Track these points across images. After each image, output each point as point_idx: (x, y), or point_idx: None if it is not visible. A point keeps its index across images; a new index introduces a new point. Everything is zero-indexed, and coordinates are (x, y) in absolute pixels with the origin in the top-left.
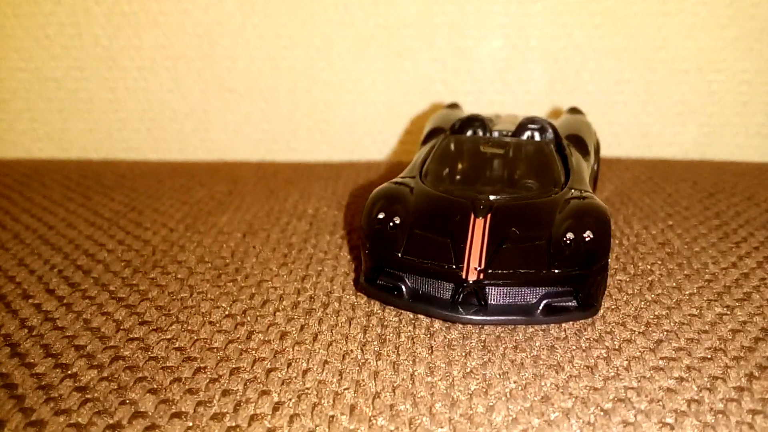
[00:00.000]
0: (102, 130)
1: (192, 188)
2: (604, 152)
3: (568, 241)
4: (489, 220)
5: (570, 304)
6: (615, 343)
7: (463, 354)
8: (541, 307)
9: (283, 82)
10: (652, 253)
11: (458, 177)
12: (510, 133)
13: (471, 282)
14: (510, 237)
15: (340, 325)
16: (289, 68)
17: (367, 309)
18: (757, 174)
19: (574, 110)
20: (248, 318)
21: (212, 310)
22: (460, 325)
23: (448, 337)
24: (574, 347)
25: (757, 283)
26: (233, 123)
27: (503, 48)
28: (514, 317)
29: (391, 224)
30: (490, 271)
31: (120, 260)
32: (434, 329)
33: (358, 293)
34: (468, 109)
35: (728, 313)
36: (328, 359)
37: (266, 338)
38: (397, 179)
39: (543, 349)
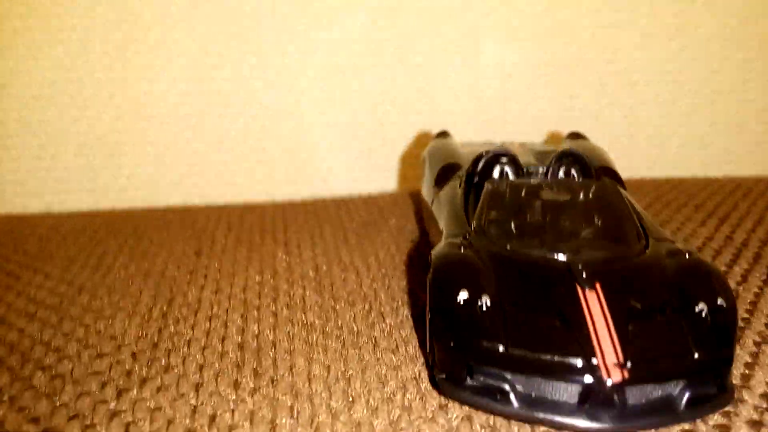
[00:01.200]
0: None
1: (142, 248)
2: None
3: (703, 314)
4: (602, 292)
5: (710, 391)
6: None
7: None
8: (684, 401)
9: (211, 106)
10: None
11: (526, 233)
12: (545, 170)
13: (614, 383)
14: (634, 313)
15: None
16: (218, 90)
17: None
18: (741, 189)
19: (576, 135)
20: None
21: None
22: None
23: None
24: None
25: None
26: (153, 156)
27: (454, 65)
28: (658, 418)
29: (482, 306)
30: (631, 365)
31: (93, 374)
32: None
33: (431, 394)
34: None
35: None
36: None
37: None
38: (452, 239)
39: None
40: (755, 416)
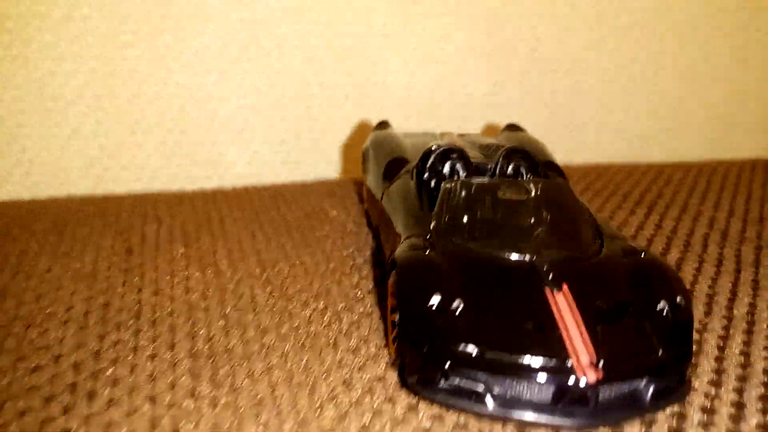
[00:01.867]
0: None
1: (65, 246)
2: None
3: (664, 312)
4: (569, 294)
5: (671, 384)
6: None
7: None
8: (650, 395)
9: (123, 87)
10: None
11: (487, 233)
12: (493, 166)
13: (588, 382)
14: (601, 314)
15: None
16: (130, 70)
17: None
18: (662, 177)
19: (514, 127)
20: None
21: None
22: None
23: None
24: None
25: None
26: (58, 139)
27: (383, 48)
28: (627, 413)
29: (455, 310)
30: (603, 364)
31: (32, 388)
32: None
33: (400, 395)
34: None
35: None
36: None
37: None
38: (414, 240)
39: None
40: (707, 403)
